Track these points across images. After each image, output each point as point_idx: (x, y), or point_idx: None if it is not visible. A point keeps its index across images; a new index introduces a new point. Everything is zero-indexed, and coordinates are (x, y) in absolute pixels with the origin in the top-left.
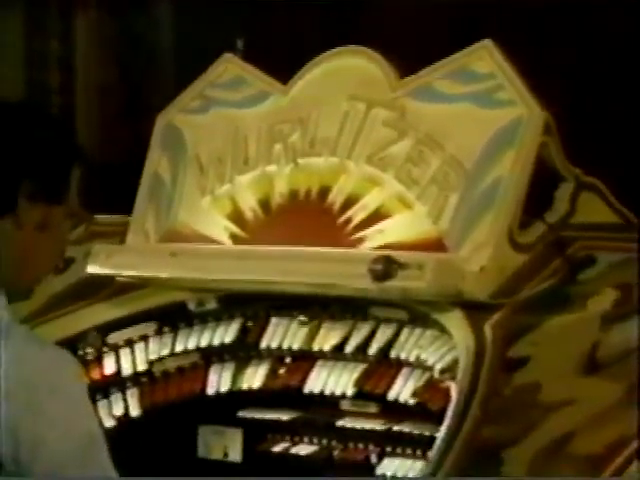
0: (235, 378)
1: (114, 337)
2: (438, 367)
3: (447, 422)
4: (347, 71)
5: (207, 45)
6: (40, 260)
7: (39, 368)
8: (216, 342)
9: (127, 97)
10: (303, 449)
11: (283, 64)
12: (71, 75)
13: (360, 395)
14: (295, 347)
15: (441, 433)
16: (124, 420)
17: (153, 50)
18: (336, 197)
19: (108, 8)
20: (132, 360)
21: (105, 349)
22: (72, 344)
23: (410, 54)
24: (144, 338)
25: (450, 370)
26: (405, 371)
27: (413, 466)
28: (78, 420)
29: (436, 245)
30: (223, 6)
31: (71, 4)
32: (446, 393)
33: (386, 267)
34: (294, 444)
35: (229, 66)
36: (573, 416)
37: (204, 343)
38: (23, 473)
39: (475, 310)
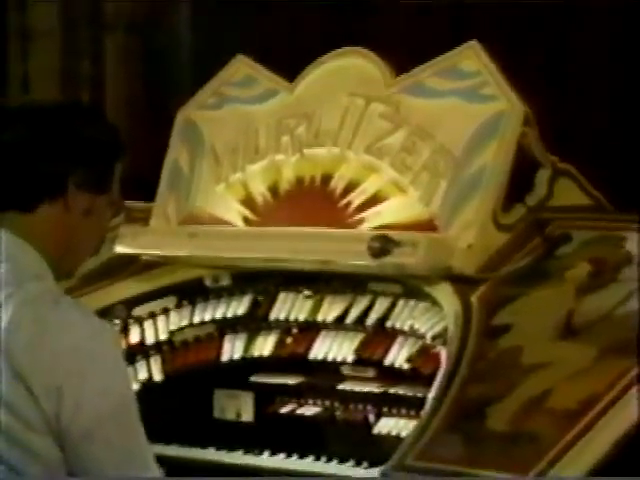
0: (247, 346)
1: (138, 310)
2: (430, 335)
3: (437, 383)
4: (347, 70)
5: (221, 49)
6: (83, 243)
7: (83, 335)
8: (230, 314)
9: (150, 106)
10: (308, 410)
11: (289, 64)
12: (101, 90)
13: (359, 361)
14: (301, 318)
15: (432, 392)
16: (148, 384)
17: (173, 60)
18: (337, 183)
19: (134, 30)
20: (155, 331)
21: (130, 321)
22: (101, 316)
23: (404, 54)
24: (165, 311)
25: (440, 337)
26: (400, 339)
27: (407, 425)
28: (114, 383)
29: (428, 225)
30: (235, 15)
31: (101, 28)
32: (437, 358)
33: (383, 245)
34: (300, 406)
35: (241, 66)
36: (551, 376)
37: (219, 315)
38: (62, 431)
39: (463, 283)
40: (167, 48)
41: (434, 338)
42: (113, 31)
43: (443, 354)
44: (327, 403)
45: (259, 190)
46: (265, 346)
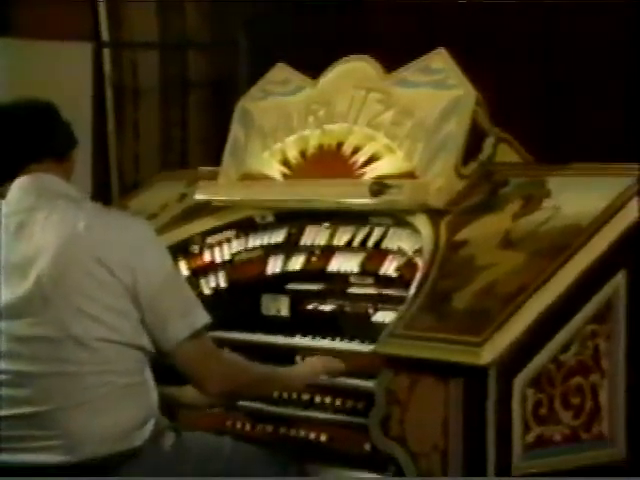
0: (284, 264)
1: (210, 239)
2: (411, 251)
3: (416, 281)
4: (353, 70)
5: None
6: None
7: (139, 231)
8: (272, 242)
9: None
10: (327, 307)
11: (313, 68)
12: (186, 130)
13: (362, 272)
14: (322, 243)
15: (412, 287)
16: (216, 290)
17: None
18: (347, 148)
19: (210, 87)
20: (221, 253)
21: (205, 247)
22: (185, 244)
23: (395, 58)
24: (228, 240)
25: (419, 252)
26: (391, 256)
27: (395, 315)
28: (166, 259)
29: (410, 175)
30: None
31: (187, 86)
32: (416, 267)
33: (379, 188)
34: (321, 304)
35: (280, 71)
36: (496, 272)
37: (265, 242)
38: (139, 295)
39: (435, 214)
40: (233, 99)
41: (414, 252)
42: (196, 88)
43: (420, 264)
44: (340, 302)
45: (293, 155)
46: (297, 263)
